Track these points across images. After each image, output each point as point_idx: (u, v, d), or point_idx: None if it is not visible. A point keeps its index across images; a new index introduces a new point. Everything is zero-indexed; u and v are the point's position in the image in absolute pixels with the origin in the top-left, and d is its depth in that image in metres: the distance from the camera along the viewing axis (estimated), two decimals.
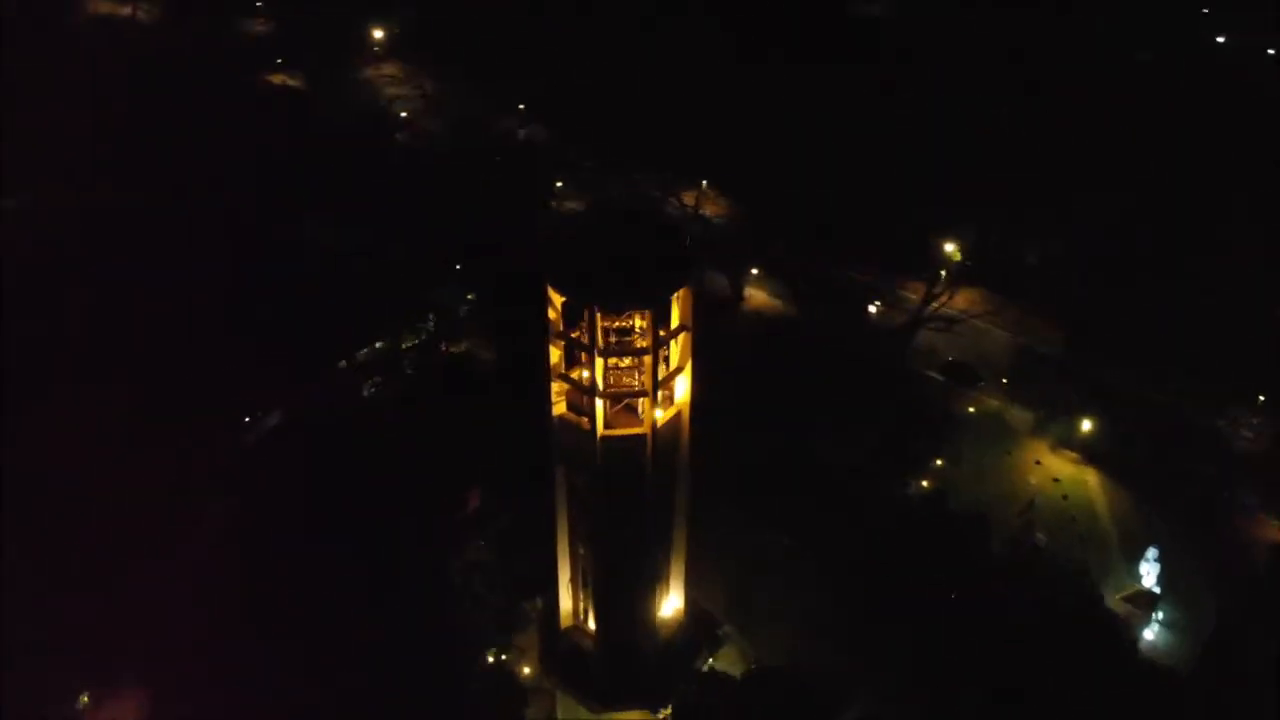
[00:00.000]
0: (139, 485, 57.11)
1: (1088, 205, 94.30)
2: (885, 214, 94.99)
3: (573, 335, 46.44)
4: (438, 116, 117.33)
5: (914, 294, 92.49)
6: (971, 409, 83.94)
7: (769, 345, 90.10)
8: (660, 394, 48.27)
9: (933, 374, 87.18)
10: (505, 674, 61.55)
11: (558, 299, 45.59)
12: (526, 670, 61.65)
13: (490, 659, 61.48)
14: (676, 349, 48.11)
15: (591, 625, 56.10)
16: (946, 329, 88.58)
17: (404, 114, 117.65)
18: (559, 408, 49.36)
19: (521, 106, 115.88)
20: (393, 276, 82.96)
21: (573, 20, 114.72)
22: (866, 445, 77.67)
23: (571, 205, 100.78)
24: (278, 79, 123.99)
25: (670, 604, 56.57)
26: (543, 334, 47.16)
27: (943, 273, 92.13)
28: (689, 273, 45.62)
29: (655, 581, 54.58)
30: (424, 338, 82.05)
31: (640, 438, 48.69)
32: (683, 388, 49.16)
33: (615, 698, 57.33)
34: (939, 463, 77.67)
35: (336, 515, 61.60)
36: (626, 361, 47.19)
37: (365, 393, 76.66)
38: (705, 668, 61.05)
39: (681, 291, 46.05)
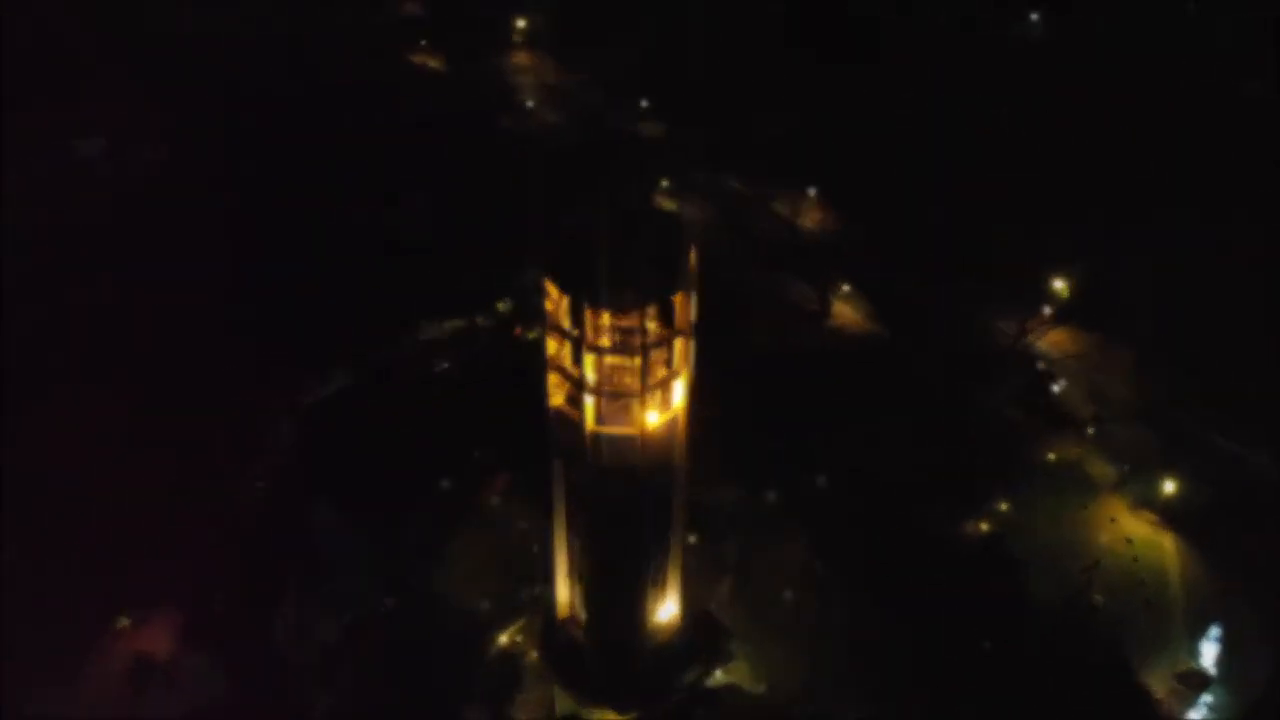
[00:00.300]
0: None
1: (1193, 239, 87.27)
2: (994, 241, 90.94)
3: (564, 328, 46.53)
4: (560, 108, 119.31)
5: (1012, 327, 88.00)
6: (1051, 455, 79.06)
7: (849, 363, 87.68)
8: (657, 396, 47.95)
9: (1016, 413, 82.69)
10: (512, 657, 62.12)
11: (553, 291, 45.85)
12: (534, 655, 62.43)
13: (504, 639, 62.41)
14: (677, 353, 47.54)
15: (583, 619, 56.51)
16: (1040, 368, 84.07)
17: (529, 103, 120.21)
18: (556, 400, 49.63)
19: (645, 104, 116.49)
20: (477, 261, 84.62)
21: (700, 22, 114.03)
22: (931, 476, 74.92)
23: (673, 204, 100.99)
24: (419, 59, 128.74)
25: (666, 609, 56.01)
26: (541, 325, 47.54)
27: (1045, 309, 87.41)
28: (682, 277, 44.81)
29: (647, 583, 54.05)
30: (498, 321, 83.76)
31: (631, 438, 48.62)
32: (679, 393, 48.49)
33: (605, 695, 57.48)
34: (1004, 506, 73.81)
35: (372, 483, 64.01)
36: (627, 361, 47.15)
37: (436, 369, 78.99)
38: (709, 681, 60.26)
39: (680, 296, 45.44)
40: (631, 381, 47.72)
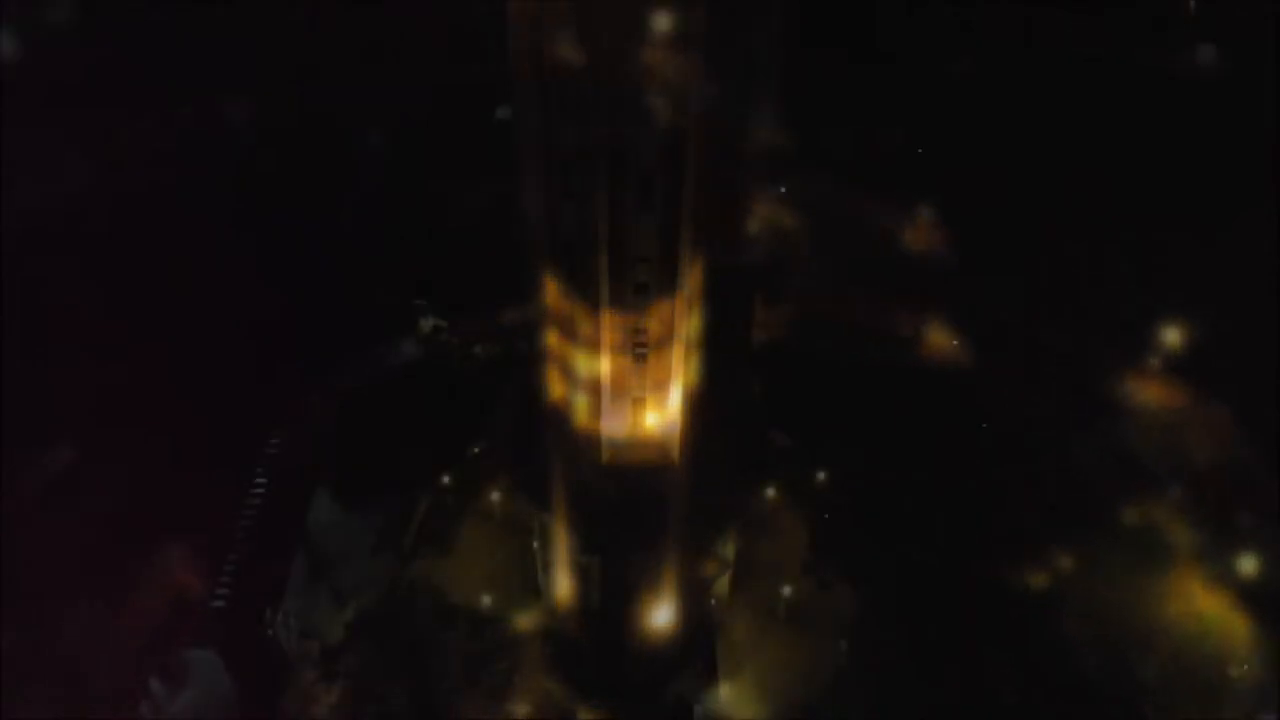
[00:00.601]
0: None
1: None
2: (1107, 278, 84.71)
3: (565, 325, 46.30)
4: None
5: (1112, 372, 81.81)
6: (1133, 515, 73.20)
7: (931, 392, 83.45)
8: (657, 396, 47.20)
9: (1097, 462, 76.89)
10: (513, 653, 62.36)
11: (550, 284, 45.66)
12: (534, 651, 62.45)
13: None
14: (676, 357, 46.53)
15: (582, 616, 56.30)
16: (1131, 419, 77.90)
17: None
18: (556, 397, 49.48)
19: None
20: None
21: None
22: (994, 514, 70.82)
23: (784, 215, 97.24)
24: None
25: (665, 608, 55.07)
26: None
27: (1152, 360, 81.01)
28: (677, 282, 43.74)
29: (645, 582, 53.48)
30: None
31: (631, 437, 48.21)
32: (676, 399, 47.46)
33: (601, 693, 57.26)
34: (1065, 559, 68.75)
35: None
36: (628, 360, 46.56)
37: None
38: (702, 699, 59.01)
39: (679, 300, 44.43)
40: (632, 380, 47.26)
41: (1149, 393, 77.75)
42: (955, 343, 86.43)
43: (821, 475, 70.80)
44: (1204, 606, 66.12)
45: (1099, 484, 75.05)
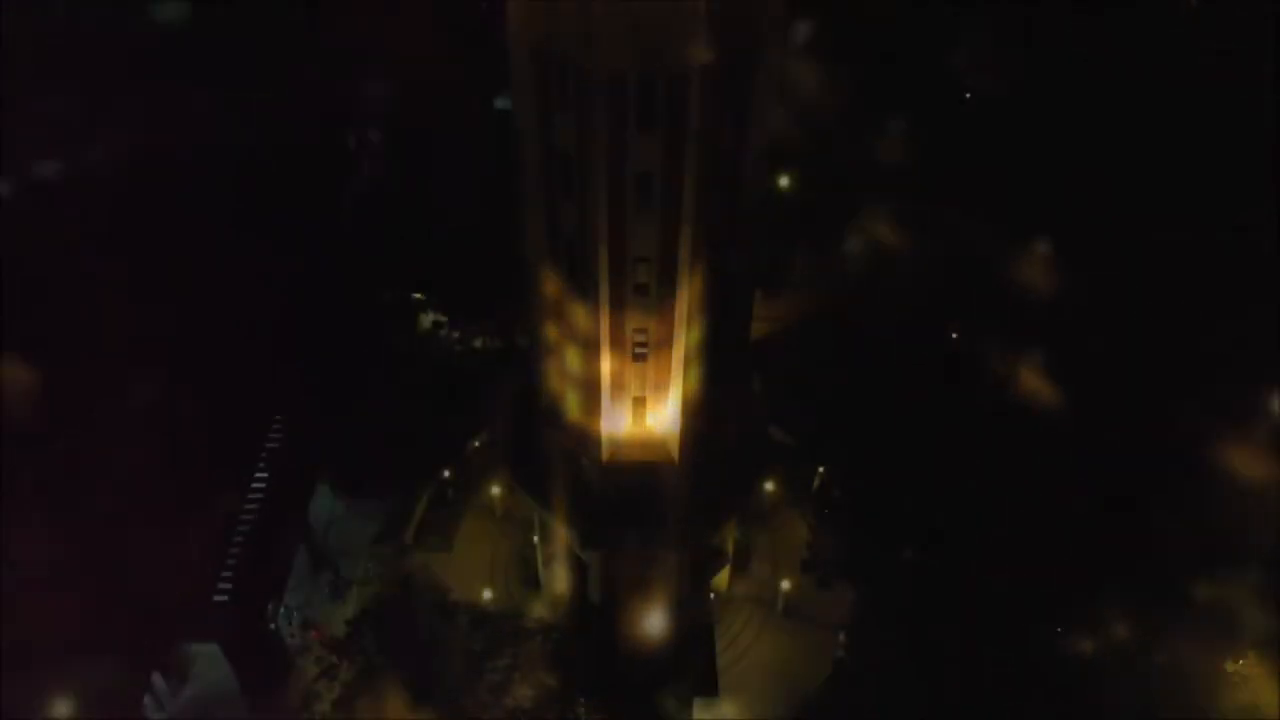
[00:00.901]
0: None
1: None
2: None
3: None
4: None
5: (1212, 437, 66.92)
6: (1205, 589, 62.36)
7: (1019, 435, 68.83)
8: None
9: (1175, 529, 69.67)
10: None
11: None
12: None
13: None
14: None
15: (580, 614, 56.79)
16: (1227, 490, 64.08)
17: None
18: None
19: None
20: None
21: None
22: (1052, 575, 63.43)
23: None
24: None
25: (659, 613, 55.39)
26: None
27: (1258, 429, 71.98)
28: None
29: (638, 583, 53.86)
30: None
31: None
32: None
33: (598, 690, 57.34)
34: (1121, 628, 61.14)
35: None
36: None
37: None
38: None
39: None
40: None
41: (1247, 462, 66.73)
42: (1050, 385, 72.81)
43: (820, 471, 70.84)
44: (1268, 700, 60.51)
45: (1172, 549, 64.24)
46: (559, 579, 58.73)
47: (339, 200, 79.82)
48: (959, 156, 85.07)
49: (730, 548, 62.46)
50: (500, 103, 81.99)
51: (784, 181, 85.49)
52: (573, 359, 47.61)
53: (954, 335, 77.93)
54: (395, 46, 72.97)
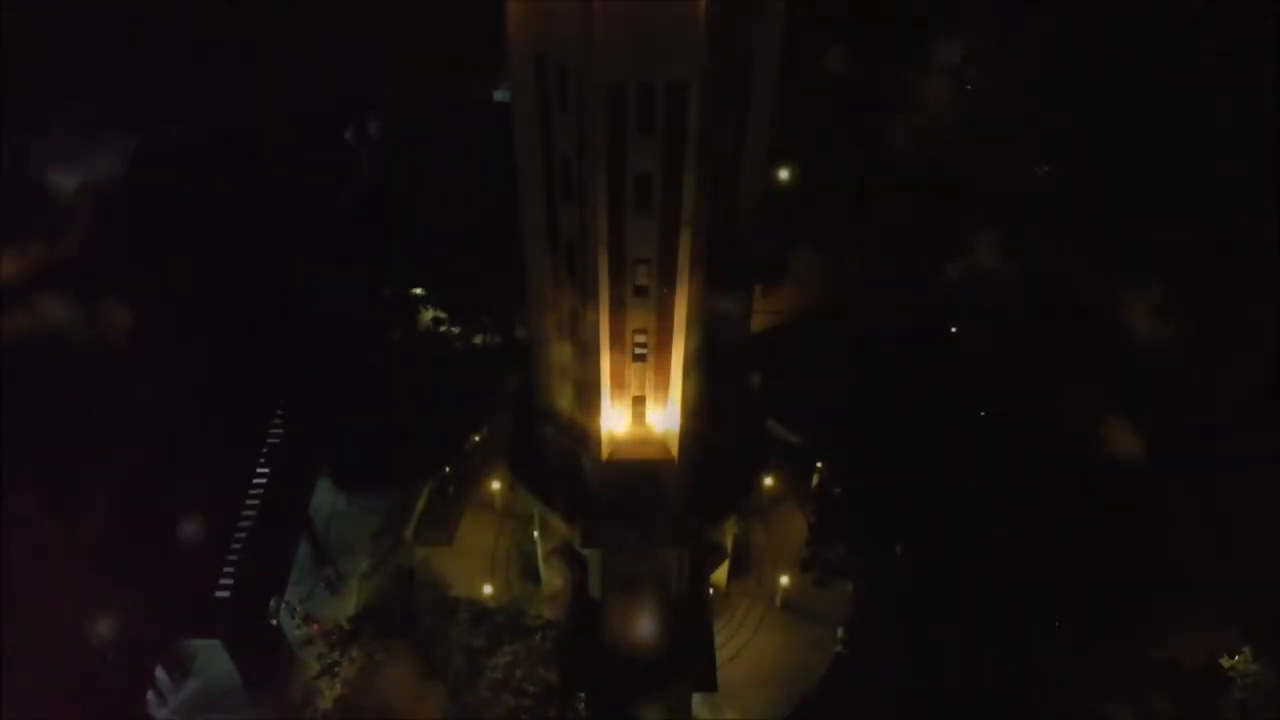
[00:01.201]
0: None
1: None
2: None
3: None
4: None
5: None
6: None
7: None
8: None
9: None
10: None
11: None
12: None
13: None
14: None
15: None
16: None
17: None
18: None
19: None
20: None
21: None
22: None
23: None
24: None
25: (657, 610, 55.62)
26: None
27: None
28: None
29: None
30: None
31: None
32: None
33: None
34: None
35: None
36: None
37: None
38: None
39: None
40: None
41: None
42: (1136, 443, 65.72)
43: (820, 467, 71.02)
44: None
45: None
46: (559, 575, 58.97)
47: (339, 196, 79.63)
48: (959, 156, 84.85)
49: (729, 545, 62.66)
50: (500, 94, 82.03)
51: (784, 175, 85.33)
52: (573, 358, 47.77)
53: (953, 330, 77.86)
54: (395, 43, 72.88)
